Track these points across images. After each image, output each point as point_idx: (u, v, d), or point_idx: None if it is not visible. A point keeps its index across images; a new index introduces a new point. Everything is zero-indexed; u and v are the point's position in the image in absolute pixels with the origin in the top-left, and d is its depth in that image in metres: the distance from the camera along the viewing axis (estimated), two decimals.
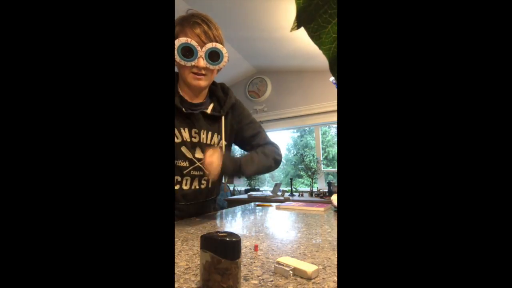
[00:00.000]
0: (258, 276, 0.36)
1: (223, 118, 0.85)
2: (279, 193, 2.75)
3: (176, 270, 0.38)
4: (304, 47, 2.51)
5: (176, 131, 0.78)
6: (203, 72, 0.75)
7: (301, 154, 3.05)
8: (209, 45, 0.72)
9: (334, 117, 2.90)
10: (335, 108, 2.78)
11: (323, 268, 0.38)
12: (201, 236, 0.31)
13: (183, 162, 0.79)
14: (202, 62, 0.73)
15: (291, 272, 0.35)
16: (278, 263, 0.37)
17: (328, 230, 0.63)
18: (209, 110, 0.82)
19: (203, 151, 0.80)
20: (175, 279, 0.35)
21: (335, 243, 0.52)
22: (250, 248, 0.49)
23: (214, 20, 0.77)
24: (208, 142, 0.83)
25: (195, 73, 0.75)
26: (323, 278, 0.35)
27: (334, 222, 0.74)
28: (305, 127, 3.34)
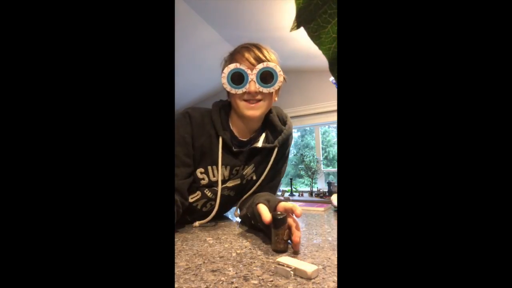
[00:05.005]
0: (258, 276, 0.36)
1: (276, 150, 0.73)
2: (279, 193, 2.76)
3: (176, 270, 0.38)
4: (304, 47, 2.51)
5: (212, 169, 0.70)
6: (258, 97, 0.67)
7: (301, 154, 3.05)
8: (260, 66, 0.65)
9: (334, 117, 2.90)
10: (335, 108, 2.78)
11: (323, 268, 0.38)
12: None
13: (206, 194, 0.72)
14: (253, 86, 0.65)
15: (292, 272, 0.35)
16: (279, 263, 0.37)
17: (328, 230, 0.63)
18: (260, 143, 0.72)
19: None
20: (175, 279, 0.35)
21: (335, 243, 0.52)
22: (250, 248, 0.49)
23: (268, 47, 0.70)
24: (243, 173, 0.73)
25: (247, 101, 0.67)
26: (323, 278, 0.35)
27: (334, 222, 0.74)
28: (305, 127, 3.34)
